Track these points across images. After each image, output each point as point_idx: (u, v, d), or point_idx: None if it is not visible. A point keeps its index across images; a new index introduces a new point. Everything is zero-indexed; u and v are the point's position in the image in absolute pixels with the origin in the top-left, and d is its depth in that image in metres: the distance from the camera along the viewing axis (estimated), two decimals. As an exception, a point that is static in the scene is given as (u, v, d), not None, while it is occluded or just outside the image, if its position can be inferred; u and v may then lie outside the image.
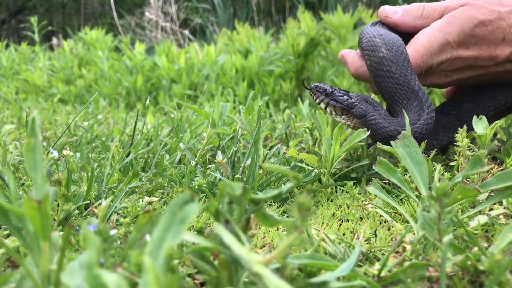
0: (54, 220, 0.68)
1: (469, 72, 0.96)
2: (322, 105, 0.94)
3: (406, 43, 0.95)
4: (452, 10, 0.91)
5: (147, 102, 1.31)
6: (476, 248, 0.52)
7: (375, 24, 1.01)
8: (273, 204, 0.84)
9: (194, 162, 0.99)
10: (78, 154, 1.16)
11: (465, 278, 0.50)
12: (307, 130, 1.08)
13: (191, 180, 0.92)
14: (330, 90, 0.93)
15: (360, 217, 0.74)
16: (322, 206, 0.81)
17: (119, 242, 0.60)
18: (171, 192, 0.90)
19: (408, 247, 0.54)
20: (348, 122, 0.94)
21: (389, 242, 0.63)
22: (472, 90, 1.06)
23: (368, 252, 0.61)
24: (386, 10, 0.98)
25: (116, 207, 0.75)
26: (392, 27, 0.99)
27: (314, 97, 0.96)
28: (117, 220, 0.73)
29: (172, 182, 0.94)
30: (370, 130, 0.89)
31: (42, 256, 0.40)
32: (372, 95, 1.14)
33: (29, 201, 0.37)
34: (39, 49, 4.13)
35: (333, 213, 0.77)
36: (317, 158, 0.89)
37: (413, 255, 0.53)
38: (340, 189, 0.88)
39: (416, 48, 0.91)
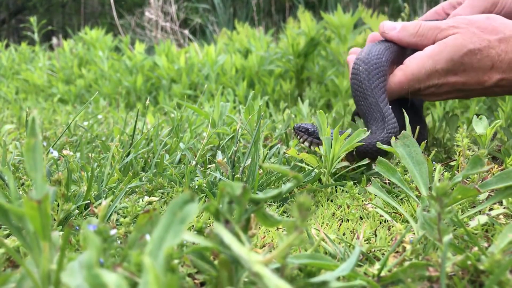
0: (54, 220, 0.68)
1: (457, 94, 1.00)
2: (306, 144, 0.97)
3: (407, 55, 0.99)
4: (445, 34, 0.94)
5: (147, 102, 1.31)
6: (476, 248, 0.52)
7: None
8: (273, 204, 0.84)
9: (194, 162, 0.99)
10: (78, 154, 1.15)
11: (465, 278, 0.50)
12: (307, 130, 1.08)
13: (191, 180, 0.92)
14: (312, 129, 0.96)
15: (360, 217, 0.74)
16: (322, 206, 0.81)
17: (119, 242, 0.60)
18: (171, 192, 0.90)
19: (408, 247, 0.54)
20: None
21: (389, 242, 0.63)
22: None
23: (368, 252, 0.61)
24: (384, 26, 1.03)
25: (116, 207, 0.75)
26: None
27: (298, 137, 0.99)
28: (117, 220, 0.73)
29: (172, 182, 0.94)
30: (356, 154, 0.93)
31: (42, 256, 0.40)
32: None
33: (29, 201, 0.37)
34: (39, 49, 4.13)
35: (333, 213, 0.77)
36: (317, 158, 0.89)
37: (413, 255, 0.53)
38: (340, 189, 0.88)
39: (405, 73, 0.96)
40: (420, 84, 0.95)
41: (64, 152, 1.08)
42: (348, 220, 0.73)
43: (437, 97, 1.01)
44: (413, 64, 0.94)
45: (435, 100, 1.04)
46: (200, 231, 0.57)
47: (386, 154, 0.92)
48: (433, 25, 0.95)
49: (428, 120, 1.58)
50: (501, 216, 0.66)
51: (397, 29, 1.00)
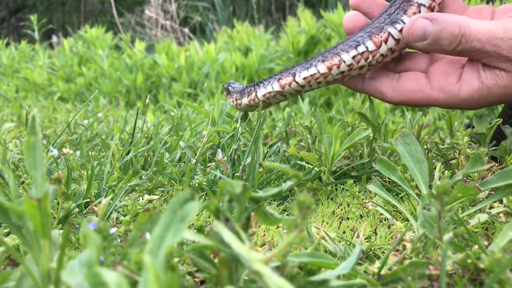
0: (54, 218, 0.68)
1: None
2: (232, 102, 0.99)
3: None
4: None
5: (147, 100, 1.31)
6: (476, 246, 0.52)
7: None
8: (273, 202, 0.84)
9: (194, 160, 0.99)
10: (78, 152, 1.15)
11: (465, 276, 0.50)
12: (307, 128, 1.08)
13: (191, 178, 0.92)
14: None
15: (360, 215, 0.74)
16: (322, 204, 0.81)
17: (119, 240, 0.60)
18: (171, 190, 0.89)
19: (408, 245, 0.54)
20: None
21: (389, 240, 0.63)
22: None
23: (368, 250, 0.61)
24: None
25: (116, 205, 0.75)
26: None
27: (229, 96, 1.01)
28: (117, 218, 0.73)
29: (172, 180, 0.94)
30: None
31: (42, 254, 0.40)
32: None
33: (29, 199, 0.37)
34: (39, 47, 4.13)
35: (333, 211, 0.77)
36: (317, 156, 0.89)
37: (413, 253, 0.53)
38: (340, 187, 0.88)
39: None
40: None
41: (64, 150, 1.08)
42: (348, 219, 0.73)
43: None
44: None
45: None
46: (200, 230, 0.57)
47: None
48: None
49: (428, 118, 1.58)
50: (501, 215, 0.65)
51: None
